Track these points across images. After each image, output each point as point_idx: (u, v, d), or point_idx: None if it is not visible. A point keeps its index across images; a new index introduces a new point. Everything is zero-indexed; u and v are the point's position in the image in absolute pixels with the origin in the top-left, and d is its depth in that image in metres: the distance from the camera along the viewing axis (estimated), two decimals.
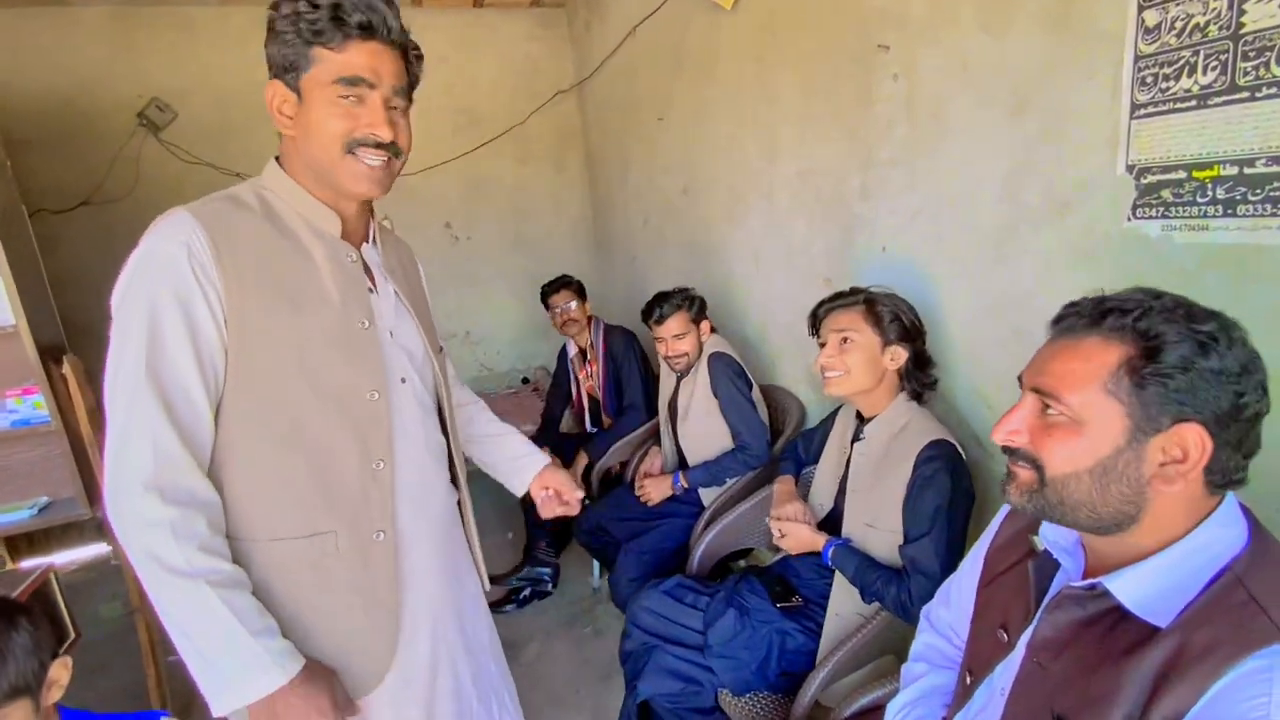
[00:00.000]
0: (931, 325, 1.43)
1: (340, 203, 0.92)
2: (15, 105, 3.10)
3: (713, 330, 1.99)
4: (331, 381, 0.88)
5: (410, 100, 0.93)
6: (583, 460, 2.41)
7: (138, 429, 0.77)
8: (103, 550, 3.17)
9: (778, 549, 1.49)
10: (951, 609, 0.96)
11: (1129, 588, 0.64)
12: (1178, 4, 0.94)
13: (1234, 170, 0.92)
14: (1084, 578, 0.71)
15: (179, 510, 0.78)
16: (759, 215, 2.15)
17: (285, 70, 0.85)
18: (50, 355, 1.66)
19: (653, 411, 2.42)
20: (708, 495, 1.93)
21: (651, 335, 2.00)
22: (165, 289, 0.79)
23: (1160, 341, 0.61)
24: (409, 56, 0.91)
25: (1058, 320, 0.71)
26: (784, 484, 1.59)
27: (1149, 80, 1.00)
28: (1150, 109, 1.00)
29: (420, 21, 3.64)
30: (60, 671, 0.88)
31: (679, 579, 1.54)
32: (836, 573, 1.33)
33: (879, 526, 1.28)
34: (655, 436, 2.28)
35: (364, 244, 0.98)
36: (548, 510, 1.21)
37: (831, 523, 1.45)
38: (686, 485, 1.93)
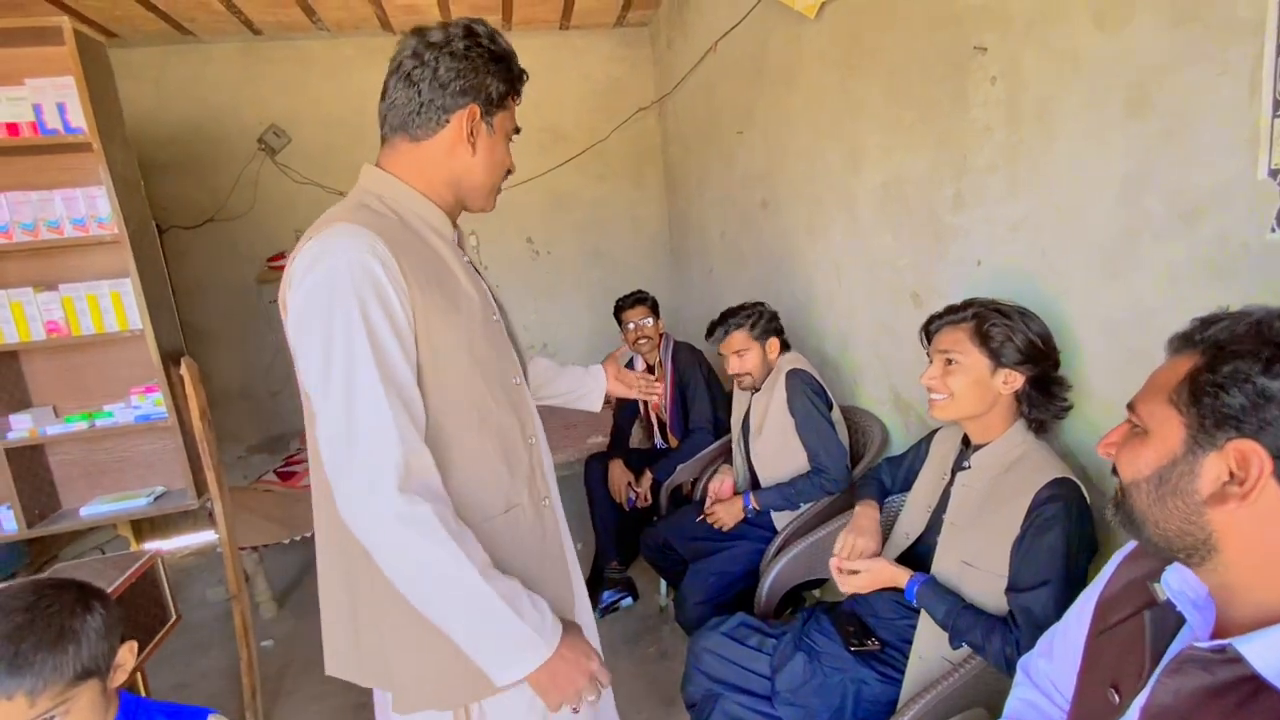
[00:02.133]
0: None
1: (454, 211, 1.00)
2: (157, 133, 3.47)
3: (785, 348, 1.92)
4: (492, 370, 0.95)
5: None
6: (648, 477, 2.38)
7: (383, 427, 0.79)
8: (211, 537, 3.45)
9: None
10: (1054, 661, 0.85)
11: (1268, 652, 0.54)
12: None
13: None
14: (1212, 637, 0.61)
15: (438, 505, 0.81)
16: (841, 227, 2.07)
17: (488, 101, 0.92)
18: (170, 358, 1.83)
19: (720, 432, 2.36)
20: (780, 519, 1.85)
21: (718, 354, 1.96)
22: (372, 296, 0.81)
23: (1225, 353, 0.57)
24: None
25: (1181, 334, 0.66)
26: (868, 510, 1.45)
27: None
28: None
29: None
30: (126, 655, 0.92)
31: (742, 618, 1.45)
32: (923, 612, 1.23)
33: (979, 567, 1.16)
34: (726, 454, 2.23)
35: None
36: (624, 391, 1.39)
37: (916, 556, 1.34)
38: (758, 508, 1.86)
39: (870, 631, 1.33)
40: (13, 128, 1.62)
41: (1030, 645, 0.95)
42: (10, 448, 1.75)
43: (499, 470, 0.94)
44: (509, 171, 1.02)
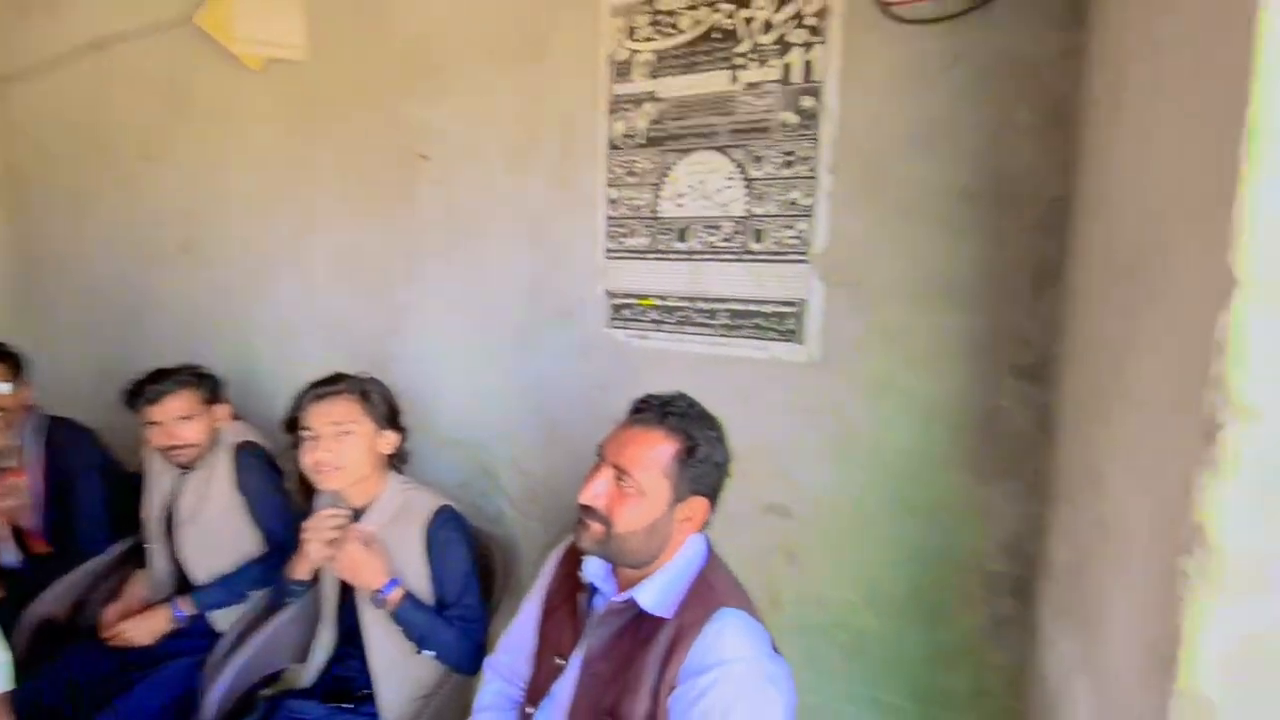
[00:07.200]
0: (480, 409, 1.67)
1: None
2: None
3: (235, 416, 1.69)
4: None
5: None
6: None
7: None
8: None
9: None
10: (513, 654, 1.09)
11: (647, 596, 0.91)
12: (624, 192, 1.43)
13: (659, 302, 1.42)
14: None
15: None
16: (287, 286, 2.03)
17: None
18: None
19: (122, 529, 1.83)
20: (224, 618, 1.57)
21: (139, 421, 1.56)
22: None
23: (695, 441, 0.91)
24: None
25: (635, 410, 0.95)
26: None
27: (614, 235, 1.46)
28: (615, 254, 1.46)
29: None
30: None
31: None
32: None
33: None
34: (128, 561, 1.75)
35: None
36: None
37: None
38: (194, 611, 1.54)
39: (349, 689, 1.33)
40: None
41: (482, 637, 1.17)
42: None
43: None
44: None
